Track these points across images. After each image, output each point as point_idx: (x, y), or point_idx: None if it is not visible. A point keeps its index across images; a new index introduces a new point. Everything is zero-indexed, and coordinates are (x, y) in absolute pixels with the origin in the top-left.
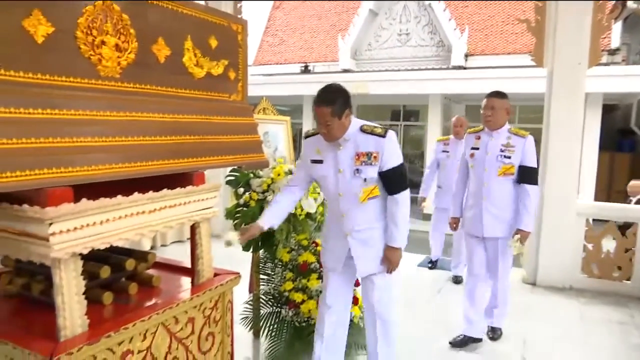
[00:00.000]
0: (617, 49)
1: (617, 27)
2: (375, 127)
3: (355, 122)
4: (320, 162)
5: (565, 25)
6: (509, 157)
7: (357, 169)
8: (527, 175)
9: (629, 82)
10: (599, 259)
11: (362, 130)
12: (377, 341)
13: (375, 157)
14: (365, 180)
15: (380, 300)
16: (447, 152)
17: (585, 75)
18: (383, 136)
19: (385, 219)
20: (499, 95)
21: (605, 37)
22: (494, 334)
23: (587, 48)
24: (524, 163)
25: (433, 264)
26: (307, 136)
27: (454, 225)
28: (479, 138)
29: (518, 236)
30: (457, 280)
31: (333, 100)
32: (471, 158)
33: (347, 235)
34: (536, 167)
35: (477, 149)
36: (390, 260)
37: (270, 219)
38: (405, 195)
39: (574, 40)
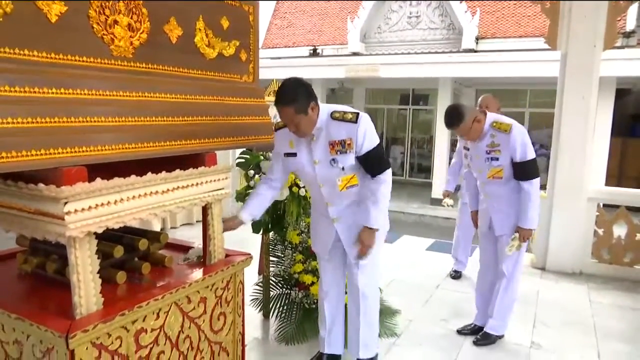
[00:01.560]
0: (633, 32)
1: (633, 9)
2: (345, 112)
3: (325, 109)
4: (294, 155)
5: (580, 6)
6: (497, 159)
7: (333, 159)
8: (520, 171)
9: None
10: (610, 244)
11: (333, 117)
12: (360, 325)
13: (349, 144)
14: (343, 169)
15: (367, 283)
16: None
17: (600, 58)
18: (355, 122)
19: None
20: (454, 123)
21: (620, 19)
22: (481, 339)
23: (602, 30)
24: (515, 159)
25: (457, 274)
26: (277, 128)
27: (476, 218)
28: None
29: (516, 234)
30: (455, 275)
31: (294, 98)
32: (465, 158)
33: (333, 221)
34: (530, 158)
35: (468, 149)
36: (363, 242)
37: (253, 211)
38: (387, 174)
39: (589, 22)
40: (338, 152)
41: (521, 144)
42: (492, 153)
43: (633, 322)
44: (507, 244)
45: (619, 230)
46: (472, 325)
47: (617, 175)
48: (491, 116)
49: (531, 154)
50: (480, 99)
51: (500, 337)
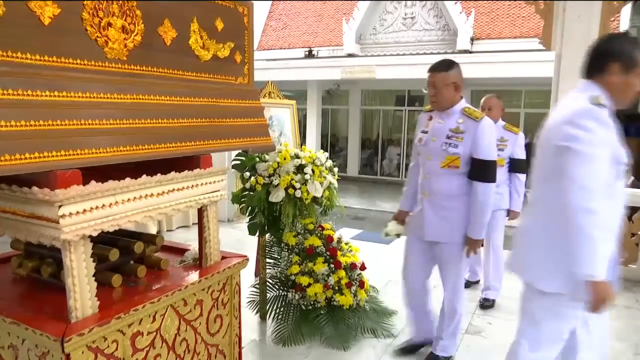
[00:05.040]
0: (626, 32)
1: (626, 9)
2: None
3: (463, 103)
4: (426, 132)
5: (574, 7)
6: (456, 147)
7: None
8: (479, 170)
9: None
10: None
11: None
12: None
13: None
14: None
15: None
16: None
17: None
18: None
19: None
20: (440, 68)
21: (614, 20)
22: None
23: (596, 30)
24: (474, 154)
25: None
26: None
27: (403, 218)
28: (430, 119)
29: (466, 248)
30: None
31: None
32: (419, 144)
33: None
34: (491, 159)
35: (426, 132)
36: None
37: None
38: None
39: (583, 22)
40: (452, 139)
41: (487, 139)
42: (452, 139)
43: (627, 321)
44: (447, 254)
45: None
46: (410, 341)
47: None
48: (465, 103)
49: (494, 155)
50: (482, 100)
51: (449, 358)
